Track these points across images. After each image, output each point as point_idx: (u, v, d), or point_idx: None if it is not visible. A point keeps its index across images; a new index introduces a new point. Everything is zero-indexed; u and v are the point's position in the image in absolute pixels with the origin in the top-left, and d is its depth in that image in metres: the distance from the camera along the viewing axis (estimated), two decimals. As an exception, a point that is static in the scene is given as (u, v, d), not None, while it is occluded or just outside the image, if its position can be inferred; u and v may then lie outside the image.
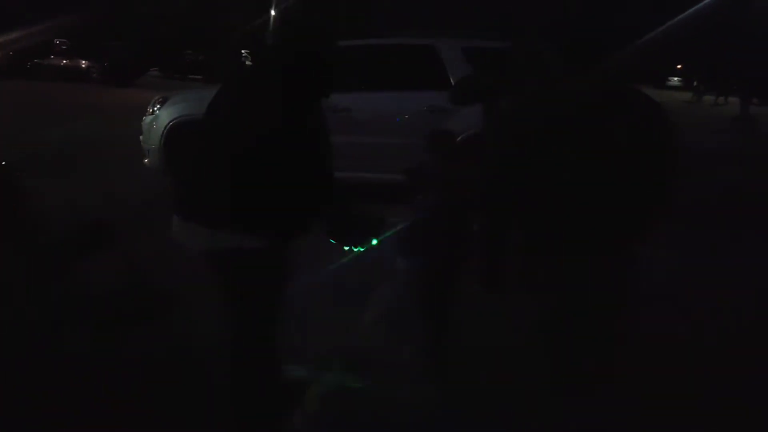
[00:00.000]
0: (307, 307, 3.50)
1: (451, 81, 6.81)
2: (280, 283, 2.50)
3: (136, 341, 3.15)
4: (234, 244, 2.30)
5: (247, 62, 31.20)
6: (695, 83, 36.19)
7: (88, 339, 3.03)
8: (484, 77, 4.28)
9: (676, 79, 51.99)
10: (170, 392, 2.95)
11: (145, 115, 7.55)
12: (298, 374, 3.04)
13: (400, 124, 6.72)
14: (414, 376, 3.14)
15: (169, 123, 7.16)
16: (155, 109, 7.45)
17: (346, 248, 2.50)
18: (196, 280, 2.67)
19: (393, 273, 3.28)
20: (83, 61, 26.07)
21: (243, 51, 32.24)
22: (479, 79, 4.38)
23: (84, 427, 2.75)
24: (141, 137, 7.53)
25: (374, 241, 2.54)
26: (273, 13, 35.05)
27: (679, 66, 55.22)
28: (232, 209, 2.28)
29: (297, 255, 2.50)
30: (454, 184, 3.11)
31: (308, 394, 2.93)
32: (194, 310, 3.35)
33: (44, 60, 26.03)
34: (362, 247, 2.51)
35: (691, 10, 21.43)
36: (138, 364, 3.09)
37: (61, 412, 2.77)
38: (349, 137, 5.72)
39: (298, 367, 3.08)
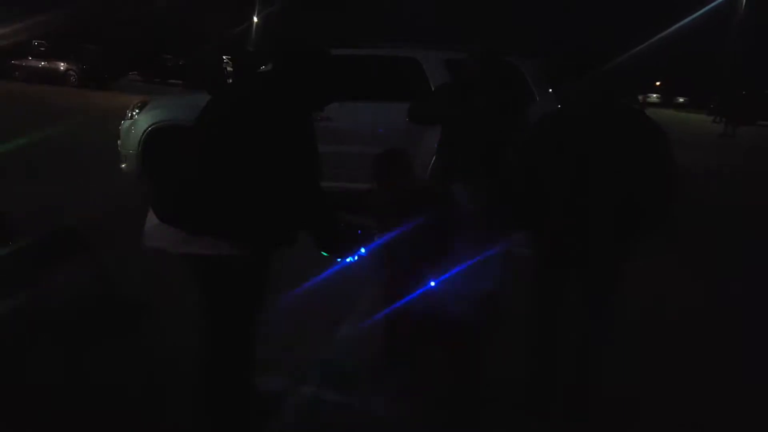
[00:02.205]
0: (289, 317, 3.47)
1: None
2: (257, 291, 2.50)
3: (108, 352, 3.08)
4: (213, 250, 2.30)
5: (228, 68, 31.04)
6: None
7: (57, 350, 2.96)
8: (444, 100, 4.20)
9: (654, 95, 52.77)
10: (144, 402, 2.90)
11: (124, 120, 7.46)
12: (274, 384, 3.01)
13: (380, 134, 6.69)
14: (391, 389, 3.12)
15: (147, 128, 7.08)
16: (134, 113, 7.36)
17: (339, 259, 2.51)
18: (171, 288, 2.63)
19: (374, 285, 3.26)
20: (61, 63, 25.75)
21: (224, 57, 32.09)
22: (439, 101, 4.26)
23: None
24: (119, 142, 7.44)
25: (363, 251, 2.54)
26: (255, 20, 35.11)
27: (657, 83, 56.09)
28: (216, 216, 2.28)
29: (283, 264, 2.48)
30: (391, 208, 3.06)
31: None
32: (168, 320, 3.29)
33: (21, 61, 25.71)
34: (352, 258, 2.51)
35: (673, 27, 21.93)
36: (110, 375, 3.02)
37: (32, 423, 2.71)
38: (329, 147, 5.68)
39: (275, 378, 3.05)
